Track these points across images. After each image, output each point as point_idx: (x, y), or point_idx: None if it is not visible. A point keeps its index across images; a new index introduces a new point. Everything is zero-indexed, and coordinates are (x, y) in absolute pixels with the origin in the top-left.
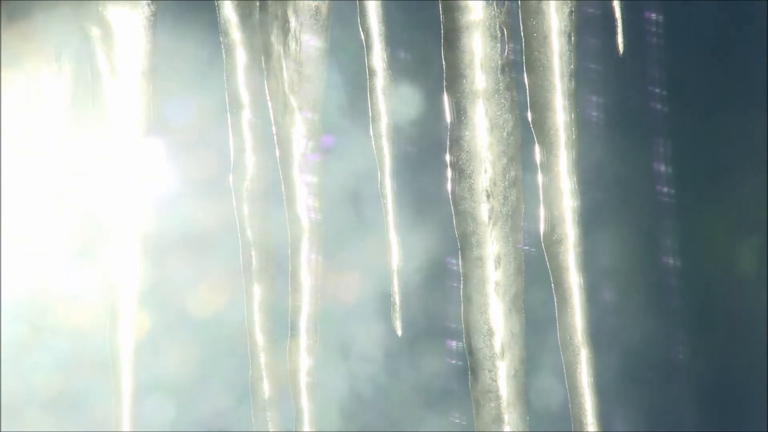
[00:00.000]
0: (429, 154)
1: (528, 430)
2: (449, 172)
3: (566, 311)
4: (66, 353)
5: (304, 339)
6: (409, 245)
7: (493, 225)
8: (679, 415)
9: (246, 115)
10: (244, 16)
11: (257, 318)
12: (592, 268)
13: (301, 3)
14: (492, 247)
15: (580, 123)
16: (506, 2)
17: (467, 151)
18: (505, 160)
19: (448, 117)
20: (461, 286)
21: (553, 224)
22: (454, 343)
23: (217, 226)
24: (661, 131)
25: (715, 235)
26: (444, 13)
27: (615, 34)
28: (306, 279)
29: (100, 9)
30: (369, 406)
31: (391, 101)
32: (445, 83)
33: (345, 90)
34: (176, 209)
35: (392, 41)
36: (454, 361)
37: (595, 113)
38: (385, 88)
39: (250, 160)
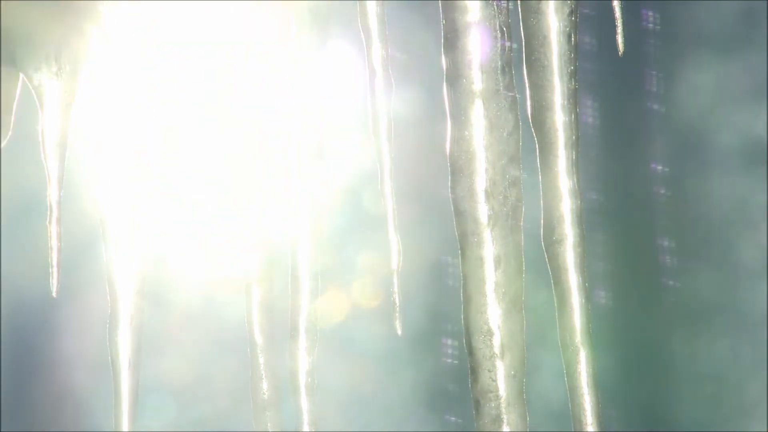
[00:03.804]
0: (429, 154)
1: (528, 430)
2: (449, 172)
3: (566, 311)
4: (66, 353)
5: (303, 339)
6: (409, 245)
7: (493, 225)
8: (679, 415)
9: (246, 114)
10: (244, 17)
11: (257, 318)
12: (592, 269)
13: (301, 3)
14: (492, 248)
15: (580, 123)
16: (506, 2)
17: (467, 151)
18: (504, 160)
19: (447, 117)
20: (461, 287)
21: (553, 224)
22: (452, 343)
23: (217, 225)
24: (659, 131)
25: (715, 235)
26: (444, 13)
27: (614, 34)
28: (306, 279)
29: (100, 9)
30: (369, 406)
31: (391, 101)
32: (445, 83)
33: (345, 90)
34: (176, 209)
35: (392, 41)
36: (453, 361)
37: (593, 113)
38: (385, 88)
39: (249, 159)
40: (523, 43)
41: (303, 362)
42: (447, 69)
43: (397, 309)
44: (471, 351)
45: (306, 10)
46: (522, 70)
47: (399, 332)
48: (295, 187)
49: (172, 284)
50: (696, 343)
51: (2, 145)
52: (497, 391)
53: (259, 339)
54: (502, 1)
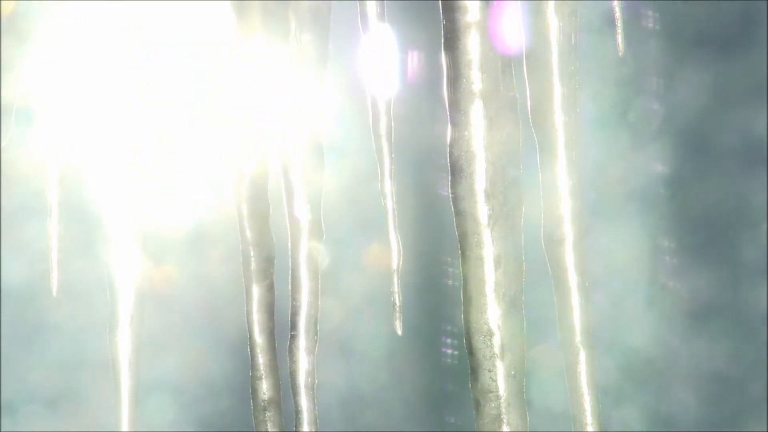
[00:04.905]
0: (429, 154)
1: (528, 430)
2: (449, 172)
3: (566, 311)
4: (66, 353)
5: (304, 339)
6: (409, 245)
7: (493, 225)
8: (679, 415)
9: (245, 114)
10: (244, 17)
11: (257, 318)
12: (593, 268)
13: (301, 3)
14: (492, 248)
15: (580, 123)
16: (506, 2)
17: (467, 151)
18: (504, 160)
19: (448, 117)
20: (461, 287)
21: (553, 224)
22: (452, 343)
23: (217, 226)
24: (659, 131)
25: (715, 235)
26: (444, 13)
27: (614, 34)
28: (306, 279)
29: (100, 8)
30: (369, 406)
31: (391, 101)
32: (445, 83)
33: (345, 90)
34: (176, 209)
35: (392, 41)
36: (453, 362)
37: (594, 113)
38: (385, 88)
39: (249, 160)
40: (523, 43)
41: (303, 362)
42: (447, 69)
43: (397, 309)
44: (471, 351)
45: (306, 10)
46: (522, 70)
47: (399, 332)
48: (295, 187)
49: (173, 284)
50: (696, 343)
51: (2, 145)
52: (497, 391)
53: (259, 339)
54: (503, 1)
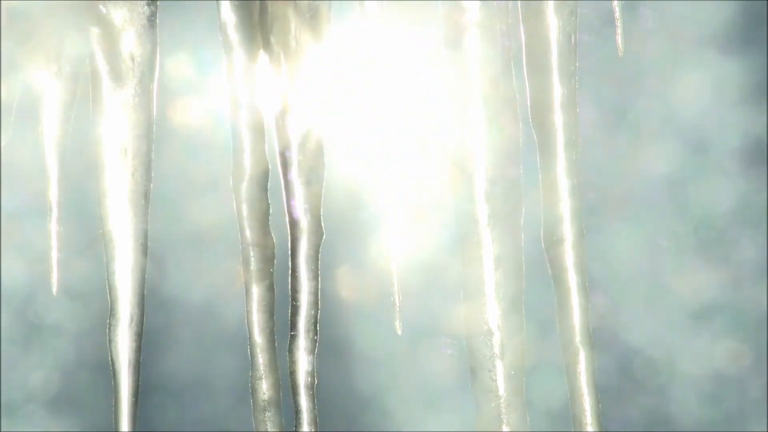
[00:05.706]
0: (429, 155)
1: (528, 430)
2: (449, 172)
3: (566, 311)
4: (66, 353)
5: (304, 339)
6: (409, 245)
7: (493, 225)
8: (679, 415)
9: (245, 115)
10: (244, 17)
11: (257, 318)
12: (592, 268)
13: (301, 3)
14: (492, 248)
15: (581, 123)
16: (506, 2)
17: (467, 151)
18: (505, 160)
19: (448, 117)
20: (461, 287)
21: (553, 224)
22: (452, 343)
23: (217, 226)
24: (659, 131)
25: (715, 235)
26: (444, 13)
27: (614, 33)
28: (306, 279)
29: (100, 9)
30: (369, 406)
31: (391, 101)
32: (446, 83)
33: (345, 89)
34: (177, 209)
35: (392, 41)
36: (453, 362)
37: (594, 113)
38: (385, 87)
39: (249, 160)
40: (523, 43)
41: (303, 362)
42: (447, 69)
43: (397, 309)
44: (471, 351)
45: (306, 9)
46: (522, 70)
47: (399, 332)
48: (295, 187)
49: (173, 284)
50: (696, 343)
51: (2, 145)
52: (497, 391)
53: (259, 339)
54: (503, 1)
